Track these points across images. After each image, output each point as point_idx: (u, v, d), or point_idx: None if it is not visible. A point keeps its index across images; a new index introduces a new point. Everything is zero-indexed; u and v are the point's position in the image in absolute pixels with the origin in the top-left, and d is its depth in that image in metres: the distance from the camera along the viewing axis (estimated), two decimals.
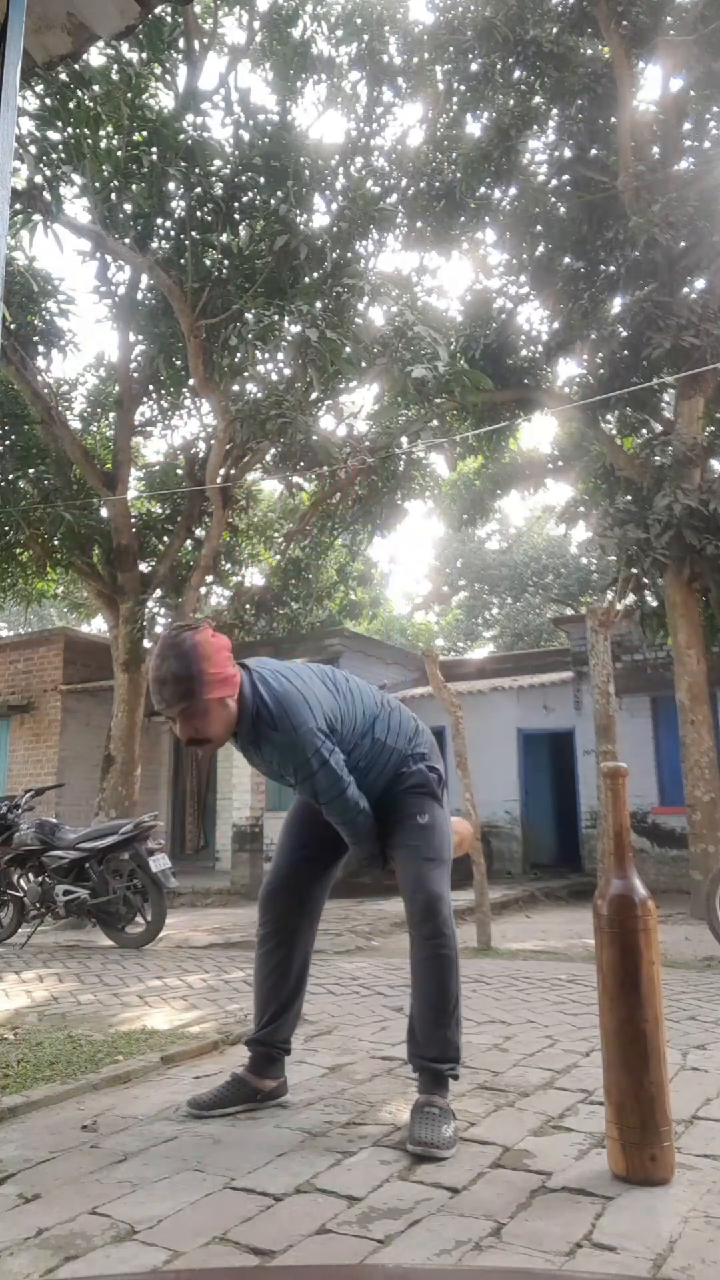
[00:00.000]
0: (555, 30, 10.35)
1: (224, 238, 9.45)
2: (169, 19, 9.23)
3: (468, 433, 11.78)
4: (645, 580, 9.29)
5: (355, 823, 2.48)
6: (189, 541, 11.94)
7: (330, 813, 2.48)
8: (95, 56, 8.47)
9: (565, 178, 10.99)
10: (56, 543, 10.69)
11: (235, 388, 9.97)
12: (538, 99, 10.98)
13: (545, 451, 14.72)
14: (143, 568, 11.05)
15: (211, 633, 2.39)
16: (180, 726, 2.35)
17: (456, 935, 2.49)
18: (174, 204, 9.44)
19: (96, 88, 8.30)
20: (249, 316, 9.05)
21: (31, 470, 10.98)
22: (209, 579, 13.02)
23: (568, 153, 10.97)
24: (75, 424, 11.77)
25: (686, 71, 9.85)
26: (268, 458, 10.87)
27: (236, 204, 9.41)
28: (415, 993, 2.47)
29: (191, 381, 10.34)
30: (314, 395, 9.82)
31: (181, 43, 9.77)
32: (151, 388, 11.36)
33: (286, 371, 9.90)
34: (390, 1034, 3.45)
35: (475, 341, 11.26)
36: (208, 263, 9.58)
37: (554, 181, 11.17)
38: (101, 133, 8.54)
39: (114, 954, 6.43)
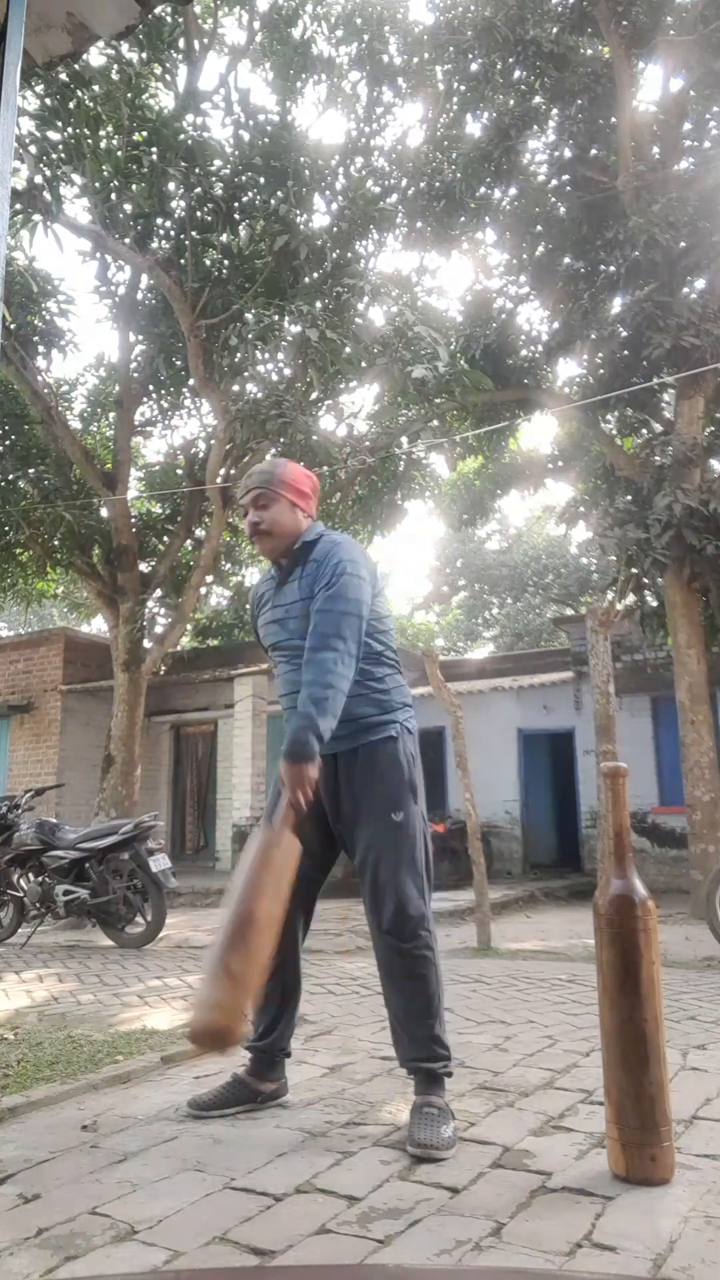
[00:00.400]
0: (555, 30, 10.35)
1: (224, 238, 9.45)
2: (169, 19, 9.22)
3: (468, 433, 11.78)
4: (645, 580, 9.29)
5: (341, 666, 2.33)
6: (189, 541, 11.94)
7: (334, 638, 2.34)
8: (95, 56, 8.48)
9: (565, 178, 10.98)
10: (56, 543, 10.68)
11: (235, 388, 9.97)
12: (538, 99, 10.98)
13: (545, 451, 14.72)
14: (143, 568, 11.04)
15: (306, 468, 2.68)
16: (251, 511, 2.59)
17: (435, 933, 2.46)
18: (174, 204, 9.44)
19: (96, 88, 8.30)
20: (249, 316, 9.05)
21: (31, 470, 10.98)
22: (209, 579, 13.02)
23: (568, 153, 10.96)
24: (75, 424, 11.77)
25: (686, 71, 9.85)
26: (268, 458, 10.87)
27: (236, 204, 9.41)
28: (395, 997, 2.45)
29: (191, 381, 10.33)
30: (314, 395, 9.81)
31: (181, 43, 9.76)
32: (151, 388, 11.36)
33: (286, 371, 9.90)
34: (390, 1034, 3.45)
35: (475, 341, 11.26)
36: (208, 263, 9.58)
37: (554, 181, 11.17)
38: (101, 133, 8.54)
39: (114, 954, 6.43)
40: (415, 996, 2.40)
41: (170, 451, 12.80)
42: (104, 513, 10.54)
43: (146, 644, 10.57)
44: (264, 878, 2.17)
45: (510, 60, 10.43)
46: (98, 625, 17.19)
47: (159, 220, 9.52)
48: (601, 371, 10.21)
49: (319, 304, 9.23)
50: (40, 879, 6.86)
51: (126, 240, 9.40)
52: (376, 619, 2.56)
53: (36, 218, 8.67)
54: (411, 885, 2.42)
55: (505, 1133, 2.34)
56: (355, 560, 2.48)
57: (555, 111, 10.95)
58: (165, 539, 11.78)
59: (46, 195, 8.44)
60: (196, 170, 8.85)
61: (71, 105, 8.14)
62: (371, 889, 2.47)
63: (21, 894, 6.96)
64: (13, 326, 9.64)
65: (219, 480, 10.15)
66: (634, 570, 8.96)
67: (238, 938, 2.06)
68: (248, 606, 2.76)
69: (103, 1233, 1.81)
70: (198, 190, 9.06)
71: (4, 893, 7.06)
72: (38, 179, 8.46)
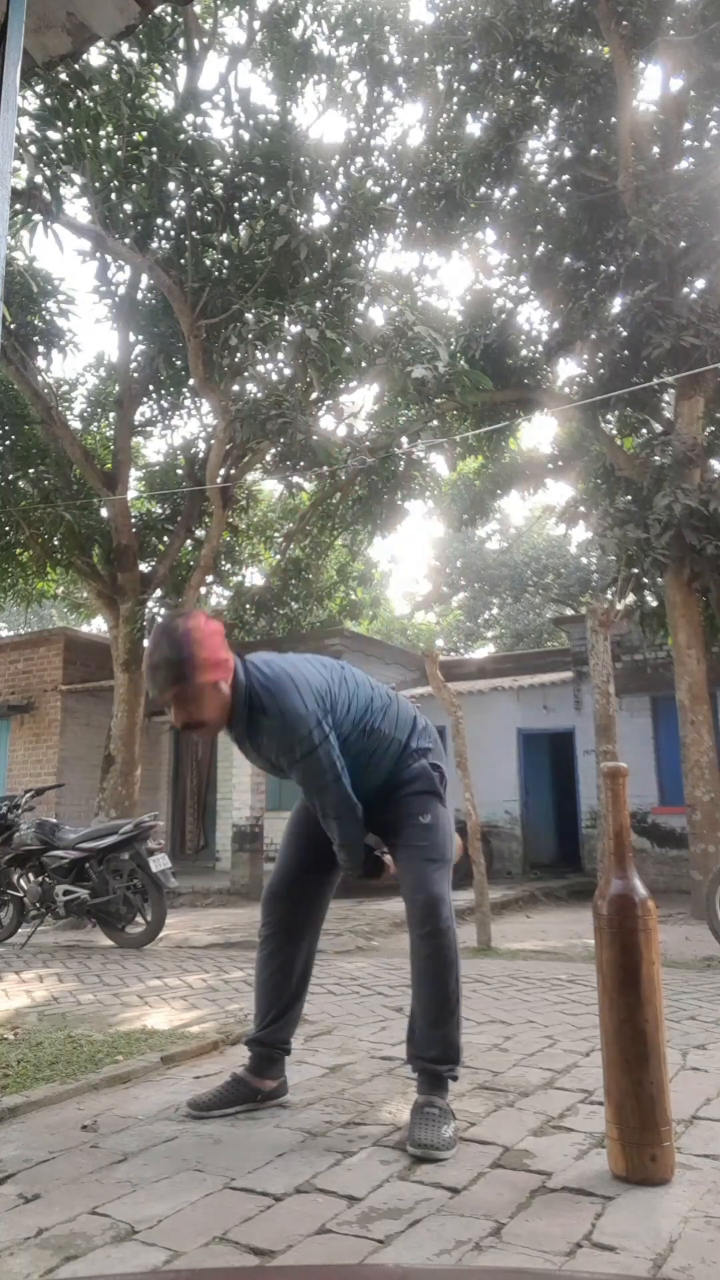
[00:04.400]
0: (555, 30, 10.35)
1: (224, 238, 9.45)
2: (169, 19, 9.22)
3: (468, 433, 11.78)
4: (645, 580, 9.29)
5: (344, 819, 2.45)
6: (189, 541, 11.94)
7: (321, 804, 2.46)
8: (95, 56, 8.48)
9: (565, 178, 10.98)
10: (56, 543, 10.68)
11: (235, 388, 9.97)
12: (538, 99, 10.98)
13: (545, 451, 14.72)
14: (143, 568, 11.04)
15: (205, 619, 2.41)
16: (174, 712, 2.36)
17: (457, 935, 2.48)
18: (174, 204, 9.44)
19: (96, 88, 8.30)
20: (249, 316, 9.05)
21: (31, 470, 10.98)
22: (209, 579, 13.02)
23: (568, 153, 10.96)
24: (75, 424, 11.77)
25: (686, 71, 9.84)
26: (268, 458, 10.87)
27: (236, 204, 9.41)
28: (415, 993, 2.46)
29: (191, 381, 10.34)
30: (314, 395, 9.82)
31: (181, 43, 9.76)
32: (151, 388, 11.36)
33: (286, 371, 9.90)
34: (390, 1034, 3.45)
35: (475, 341, 11.26)
36: (208, 263, 9.58)
37: (554, 181, 11.17)
38: (101, 133, 8.54)
39: (114, 954, 6.43)
40: (435, 995, 2.42)
41: (170, 451, 12.80)
42: (104, 513, 10.54)
43: (146, 643, 10.56)
44: None
45: (510, 60, 10.43)
46: (98, 625, 17.20)
47: (159, 220, 9.52)
48: (601, 371, 10.21)
49: (319, 304, 9.24)
50: (40, 879, 6.86)
51: (126, 240, 9.40)
52: (343, 721, 2.45)
53: (36, 218, 8.67)
54: (438, 883, 2.46)
55: (505, 1133, 2.34)
56: (299, 723, 2.34)
57: (555, 111, 10.95)
58: (165, 539, 11.78)
59: (46, 195, 8.44)
60: (196, 170, 8.85)
61: (71, 105, 8.15)
62: (404, 886, 2.51)
63: (21, 894, 6.96)
64: (13, 326, 9.64)
65: (219, 480, 10.15)
66: (634, 570, 8.96)
67: None
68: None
69: (103, 1233, 1.81)
70: (198, 190, 9.06)
71: (4, 893, 7.06)
72: (38, 179, 8.47)
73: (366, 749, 2.50)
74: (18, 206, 8.45)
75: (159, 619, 11.43)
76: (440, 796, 2.57)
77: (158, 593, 11.38)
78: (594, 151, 10.80)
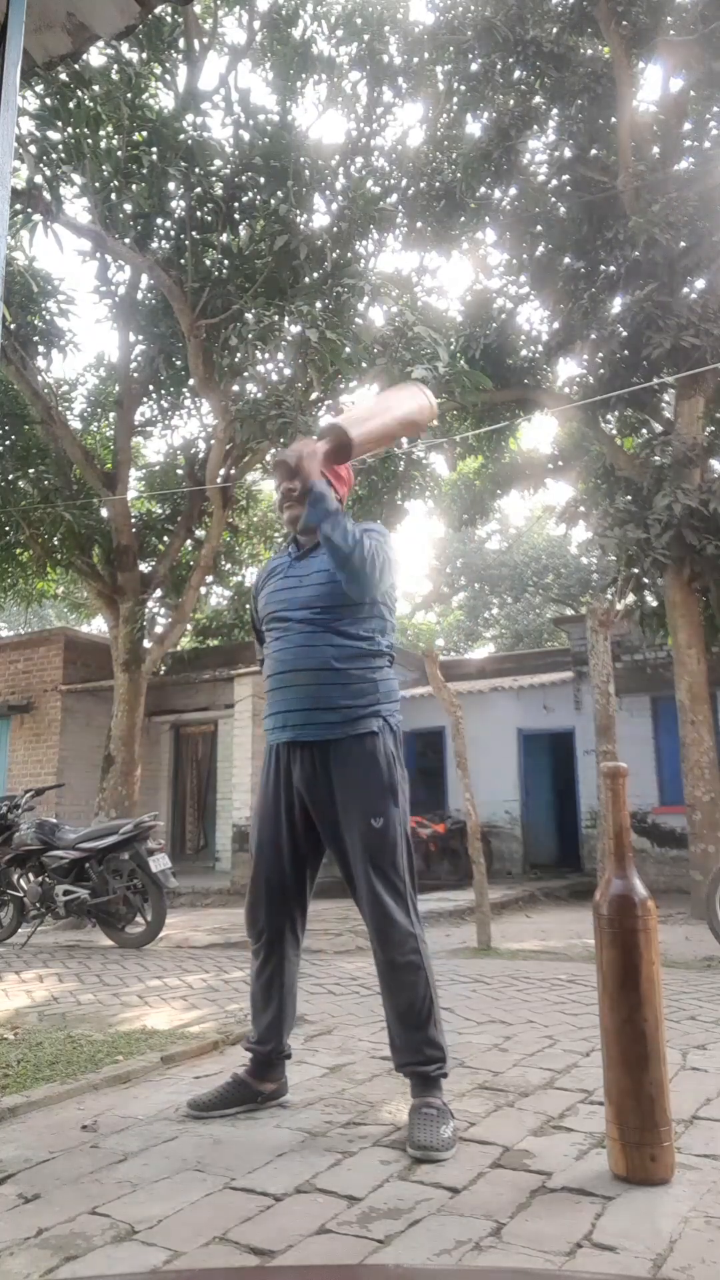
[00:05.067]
0: (555, 30, 10.35)
1: (224, 238, 9.44)
2: (169, 19, 9.22)
3: (468, 433, 11.78)
4: (645, 580, 9.29)
5: (338, 528, 2.48)
6: (189, 541, 11.94)
7: (357, 549, 2.47)
8: (95, 56, 8.48)
9: (565, 178, 10.98)
10: (56, 543, 10.68)
11: (235, 388, 9.97)
12: (538, 99, 10.97)
13: (545, 451, 14.71)
14: (143, 568, 11.04)
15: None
16: (285, 480, 2.58)
17: (422, 935, 2.45)
18: (174, 204, 9.43)
19: (96, 88, 8.30)
20: (249, 316, 9.05)
21: (31, 470, 10.97)
22: (209, 579, 13.03)
23: (568, 153, 10.96)
24: (75, 424, 11.77)
25: (686, 71, 9.84)
26: (268, 458, 10.87)
27: (236, 204, 9.41)
28: (387, 1002, 2.46)
29: (191, 381, 10.33)
30: (314, 395, 9.81)
31: (181, 43, 9.76)
32: (151, 388, 11.36)
33: (286, 371, 9.90)
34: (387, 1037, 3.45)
35: (475, 341, 11.25)
36: (208, 263, 9.58)
37: (554, 181, 11.17)
38: (101, 133, 8.53)
39: (114, 954, 6.43)
40: (405, 1003, 2.41)
41: (170, 451, 12.80)
42: (104, 513, 10.54)
43: (146, 644, 10.56)
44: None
45: (510, 60, 10.43)
46: (98, 625, 17.20)
47: (159, 220, 9.52)
48: (601, 371, 10.21)
49: (319, 304, 9.23)
50: (40, 879, 6.86)
51: (126, 240, 9.40)
52: (389, 609, 2.61)
53: (36, 218, 8.67)
54: (391, 894, 2.42)
55: (505, 1133, 2.34)
56: (386, 539, 2.55)
57: (555, 111, 10.95)
58: (165, 539, 11.78)
59: (46, 195, 8.44)
60: (196, 170, 8.85)
61: (71, 105, 8.14)
62: (356, 897, 2.49)
63: (21, 894, 6.96)
64: (13, 326, 9.64)
65: (219, 480, 10.15)
66: (634, 570, 8.96)
67: None
68: (253, 584, 2.73)
69: (103, 1233, 1.81)
70: (198, 190, 9.05)
71: (4, 893, 7.06)
72: (38, 179, 8.46)
73: (370, 647, 2.55)
74: (18, 206, 8.44)
75: (161, 624, 11.48)
76: (395, 794, 2.49)
77: (158, 593, 11.39)
78: (594, 151, 10.80)
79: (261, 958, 2.63)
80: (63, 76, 7.78)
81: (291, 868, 2.61)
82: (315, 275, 9.31)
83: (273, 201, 8.84)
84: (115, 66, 8.63)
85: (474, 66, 10.59)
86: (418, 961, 2.41)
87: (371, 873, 2.43)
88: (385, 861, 2.44)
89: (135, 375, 10.93)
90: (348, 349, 8.93)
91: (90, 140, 8.32)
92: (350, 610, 2.53)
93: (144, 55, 9.31)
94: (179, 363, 10.44)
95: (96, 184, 8.84)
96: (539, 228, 10.90)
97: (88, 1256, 1.72)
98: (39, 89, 8.09)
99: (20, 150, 8.17)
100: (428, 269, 12.40)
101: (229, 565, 14.38)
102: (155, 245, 9.57)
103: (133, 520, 10.95)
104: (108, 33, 2.00)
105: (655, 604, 9.72)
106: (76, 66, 7.67)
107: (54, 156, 8.44)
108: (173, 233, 9.59)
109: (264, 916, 2.62)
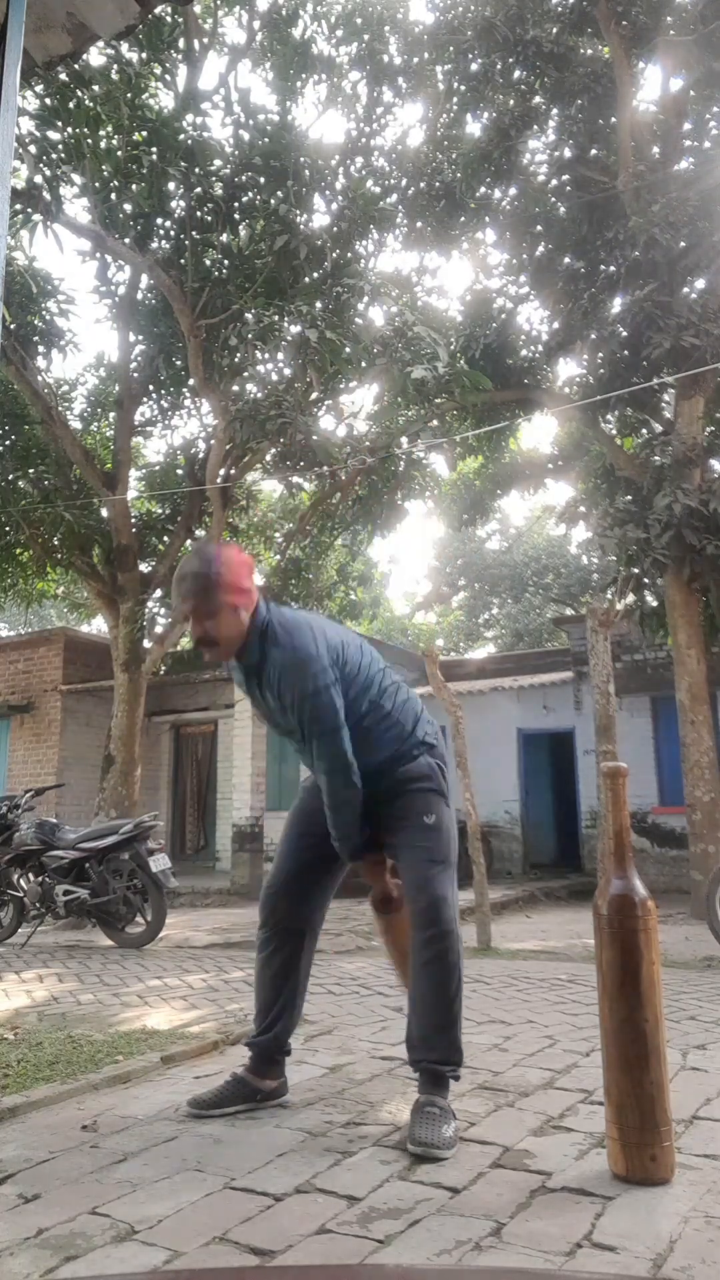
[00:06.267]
0: (555, 30, 10.35)
1: (224, 238, 9.44)
2: (169, 19, 9.22)
3: (468, 433, 11.78)
4: (645, 580, 9.29)
5: (341, 789, 2.43)
6: (189, 541, 11.93)
7: (319, 754, 2.43)
8: (95, 56, 8.47)
9: (565, 178, 10.98)
10: (56, 543, 10.67)
11: (235, 388, 9.97)
12: (538, 99, 10.98)
13: (545, 451, 14.72)
14: (143, 568, 11.04)
15: (239, 550, 2.51)
16: (192, 625, 2.45)
17: (460, 937, 2.48)
18: (174, 204, 9.43)
19: (96, 88, 8.29)
20: (249, 316, 9.05)
21: (31, 470, 10.97)
22: None
23: (568, 153, 10.96)
24: (75, 424, 11.76)
25: (686, 71, 9.84)
26: (268, 458, 10.87)
27: (236, 204, 9.40)
28: (415, 994, 2.46)
29: (191, 381, 10.33)
30: (314, 395, 9.81)
31: (181, 43, 9.76)
32: (151, 388, 11.35)
33: (286, 371, 9.89)
34: (390, 1034, 3.45)
35: (475, 341, 11.26)
36: (208, 263, 9.58)
37: (554, 181, 11.17)
38: (101, 133, 8.53)
39: (114, 954, 6.43)
40: (436, 997, 2.41)
41: (170, 451, 12.79)
42: (104, 513, 10.53)
43: (146, 644, 10.56)
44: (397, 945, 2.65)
45: (510, 60, 10.43)
46: (98, 625, 17.20)
47: (159, 220, 9.51)
48: (601, 371, 10.21)
49: (319, 304, 9.23)
50: (40, 879, 6.86)
51: (126, 240, 9.40)
52: (351, 682, 2.49)
53: (36, 218, 8.66)
54: (442, 885, 2.45)
55: (505, 1133, 2.34)
56: (309, 661, 2.39)
57: (555, 111, 10.95)
58: (165, 539, 11.77)
59: (46, 195, 8.43)
60: (196, 170, 8.85)
61: (71, 105, 8.14)
62: (407, 887, 2.51)
63: (21, 894, 6.96)
64: (13, 326, 9.64)
65: (219, 480, 10.14)
66: (634, 570, 8.96)
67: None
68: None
69: (103, 1233, 1.81)
70: (198, 190, 9.05)
71: (4, 893, 7.06)
72: (38, 179, 8.46)
73: (369, 721, 2.50)
74: (18, 206, 8.44)
75: (161, 624, 11.48)
76: (445, 796, 2.57)
77: (158, 593, 11.37)
78: (594, 151, 10.80)
79: (273, 947, 2.63)
80: (63, 76, 7.78)
81: (316, 859, 2.63)
82: (315, 275, 9.31)
83: (273, 201, 8.84)
84: (115, 66, 8.62)
85: (474, 66, 10.59)
86: (455, 960, 2.42)
87: (422, 865, 2.47)
88: (438, 855, 2.48)
89: (135, 375, 10.93)
90: (347, 349, 8.93)
91: (90, 140, 8.32)
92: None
93: (144, 55, 9.31)
94: (179, 363, 10.44)
95: (96, 184, 8.84)
96: (539, 228, 10.91)
97: (88, 1256, 1.72)
98: (39, 89, 8.08)
99: (20, 150, 8.17)
100: (428, 269, 12.42)
101: None
102: (155, 245, 9.57)
103: (133, 520, 10.94)
104: (107, 33, 2.00)
105: (655, 604, 9.73)
106: (76, 66, 7.67)
107: (54, 156, 8.44)
108: (172, 233, 9.59)
109: (282, 903, 2.64)
